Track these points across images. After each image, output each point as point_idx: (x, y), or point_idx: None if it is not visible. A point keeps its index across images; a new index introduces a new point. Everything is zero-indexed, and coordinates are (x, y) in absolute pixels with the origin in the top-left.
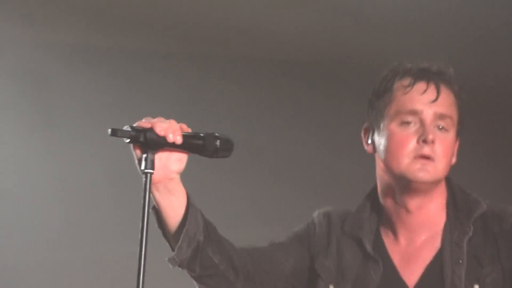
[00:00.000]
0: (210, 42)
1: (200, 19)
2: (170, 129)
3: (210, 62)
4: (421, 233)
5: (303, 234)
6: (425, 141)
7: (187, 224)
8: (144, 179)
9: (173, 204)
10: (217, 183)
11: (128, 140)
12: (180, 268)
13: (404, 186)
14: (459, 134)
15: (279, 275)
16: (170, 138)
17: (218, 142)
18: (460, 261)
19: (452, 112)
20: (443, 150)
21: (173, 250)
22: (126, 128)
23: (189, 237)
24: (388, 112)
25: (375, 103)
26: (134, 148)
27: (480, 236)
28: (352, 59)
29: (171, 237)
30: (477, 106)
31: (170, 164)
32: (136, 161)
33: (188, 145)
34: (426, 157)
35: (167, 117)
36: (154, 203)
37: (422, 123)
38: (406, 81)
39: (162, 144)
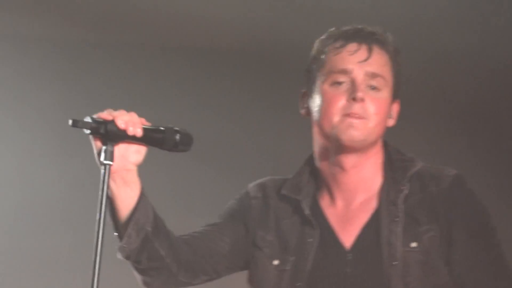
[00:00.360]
0: (150, 33)
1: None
2: (131, 122)
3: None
4: (357, 194)
5: (237, 208)
6: (354, 99)
7: (137, 213)
8: (102, 171)
9: (127, 195)
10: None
11: (89, 132)
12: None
13: (337, 145)
14: (396, 96)
15: (217, 258)
16: (131, 131)
17: (177, 136)
18: (397, 219)
19: (385, 72)
20: (375, 109)
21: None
22: (87, 119)
23: (138, 226)
24: (321, 74)
25: (311, 66)
26: (94, 139)
27: (417, 195)
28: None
29: (121, 228)
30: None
31: (129, 155)
32: (95, 152)
33: (148, 138)
34: (356, 115)
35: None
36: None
37: (352, 82)
38: (339, 42)
39: (122, 136)
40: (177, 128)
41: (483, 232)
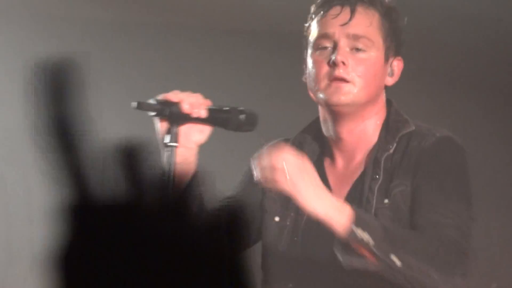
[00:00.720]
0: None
1: None
2: (196, 104)
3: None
4: (356, 154)
5: (248, 180)
6: (334, 63)
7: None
8: (167, 152)
9: (182, 172)
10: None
11: (154, 114)
12: None
13: (329, 111)
14: (395, 53)
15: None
16: (195, 113)
17: (242, 116)
18: (377, 176)
19: (370, 32)
20: (360, 70)
21: None
22: (152, 101)
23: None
24: (309, 40)
25: (303, 33)
26: (160, 121)
27: (400, 153)
28: None
29: None
30: None
31: (192, 134)
32: (159, 134)
33: (212, 119)
34: (339, 78)
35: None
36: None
37: (335, 46)
38: (324, 7)
39: (187, 118)
40: (241, 108)
41: (443, 191)
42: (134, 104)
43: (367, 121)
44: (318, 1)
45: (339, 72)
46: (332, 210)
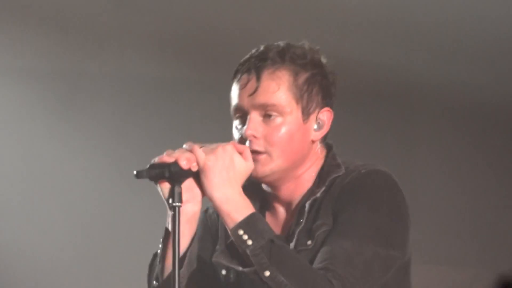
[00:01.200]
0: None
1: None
2: (193, 159)
3: None
4: (293, 203)
5: (201, 232)
6: (245, 137)
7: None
8: (172, 213)
9: (185, 233)
10: None
11: (154, 180)
12: None
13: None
14: (313, 109)
15: None
16: (194, 166)
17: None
18: (301, 220)
19: (278, 97)
20: (274, 139)
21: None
22: (150, 167)
23: (191, 267)
24: (231, 110)
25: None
26: (160, 183)
27: (327, 195)
28: None
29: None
30: None
31: (194, 187)
32: (162, 195)
33: None
34: (255, 152)
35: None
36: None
37: (245, 117)
38: (236, 75)
39: (187, 174)
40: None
41: (348, 223)
42: (134, 173)
43: (302, 175)
44: (235, 70)
45: (253, 145)
46: (229, 205)
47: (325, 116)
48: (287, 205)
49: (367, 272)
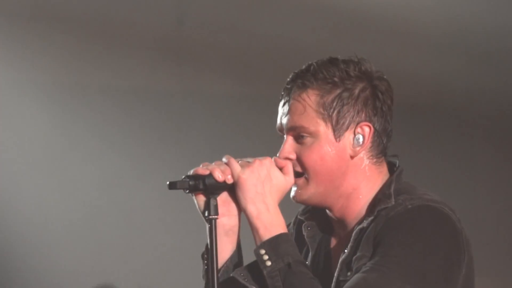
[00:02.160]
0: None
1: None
2: (228, 171)
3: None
4: (347, 226)
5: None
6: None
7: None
8: (208, 226)
9: (223, 246)
10: None
11: (188, 191)
12: None
13: None
14: (347, 125)
15: None
16: (229, 179)
17: None
18: (346, 250)
19: (304, 119)
20: (305, 160)
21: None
22: (184, 178)
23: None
24: None
25: None
26: (195, 196)
27: (373, 228)
28: None
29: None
30: None
31: (231, 201)
32: (198, 207)
33: None
34: (295, 174)
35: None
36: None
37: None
38: (280, 99)
39: (223, 187)
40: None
41: (383, 256)
42: (167, 184)
43: (351, 194)
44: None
45: (293, 166)
46: (259, 221)
47: (364, 131)
48: (342, 226)
49: None
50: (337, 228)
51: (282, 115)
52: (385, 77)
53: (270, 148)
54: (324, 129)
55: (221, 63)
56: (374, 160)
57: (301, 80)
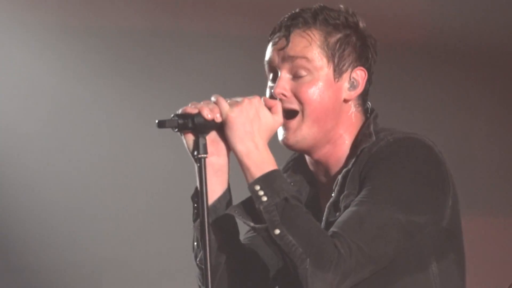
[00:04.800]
0: None
1: None
2: (217, 110)
3: None
4: (330, 173)
5: None
6: (275, 96)
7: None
8: (198, 165)
9: (212, 186)
10: None
11: (176, 129)
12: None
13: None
14: (347, 67)
15: None
16: (218, 118)
17: None
18: (332, 194)
19: (309, 51)
20: (304, 96)
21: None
22: (173, 117)
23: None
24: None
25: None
26: (184, 134)
27: (357, 166)
28: None
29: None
30: None
31: (220, 140)
32: (187, 147)
33: None
34: (287, 111)
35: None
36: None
37: (277, 75)
38: (270, 37)
39: (211, 126)
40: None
41: (371, 188)
42: (156, 122)
43: (336, 141)
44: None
45: (283, 104)
46: (250, 159)
47: (359, 75)
48: (326, 175)
49: (380, 237)
50: (321, 178)
51: (277, 49)
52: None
53: (262, 88)
54: (325, 67)
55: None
56: (359, 108)
57: (303, 18)
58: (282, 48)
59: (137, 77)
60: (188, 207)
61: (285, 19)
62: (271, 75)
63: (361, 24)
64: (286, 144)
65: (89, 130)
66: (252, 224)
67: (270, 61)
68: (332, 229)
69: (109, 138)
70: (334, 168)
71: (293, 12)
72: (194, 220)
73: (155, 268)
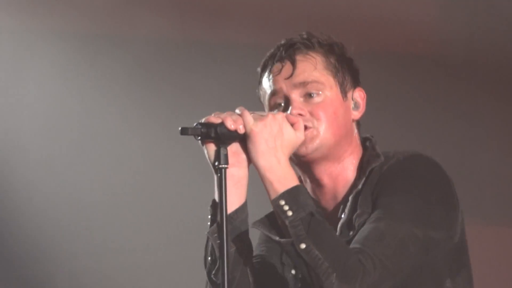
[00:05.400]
0: None
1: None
2: (240, 121)
3: None
4: (337, 197)
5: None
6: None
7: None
8: (218, 175)
9: (231, 198)
10: None
11: (199, 138)
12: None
13: (301, 163)
14: (349, 87)
15: None
16: (241, 129)
17: None
18: (343, 215)
19: (317, 75)
20: (320, 115)
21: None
22: (196, 125)
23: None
24: (265, 103)
25: (258, 94)
26: (206, 144)
27: (368, 185)
28: None
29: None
30: None
31: (242, 152)
32: (208, 157)
33: None
34: (306, 128)
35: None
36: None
37: (287, 100)
38: (266, 68)
39: (234, 137)
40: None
41: (386, 207)
42: (179, 129)
43: (344, 161)
44: (260, 65)
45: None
46: (273, 174)
47: (359, 96)
48: (334, 198)
49: (401, 251)
50: (326, 203)
51: (282, 78)
52: None
53: None
54: (334, 86)
55: (233, 13)
56: (358, 129)
57: (301, 44)
58: (289, 76)
59: (157, 86)
60: (196, 217)
61: (280, 48)
62: (276, 103)
63: (344, 46)
64: (305, 152)
65: (102, 137)
66: (277, 238)
67: (277, 91)
68: (353, 244)
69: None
70: (342, 190)
71: (284, 42)
72: (210, 231)
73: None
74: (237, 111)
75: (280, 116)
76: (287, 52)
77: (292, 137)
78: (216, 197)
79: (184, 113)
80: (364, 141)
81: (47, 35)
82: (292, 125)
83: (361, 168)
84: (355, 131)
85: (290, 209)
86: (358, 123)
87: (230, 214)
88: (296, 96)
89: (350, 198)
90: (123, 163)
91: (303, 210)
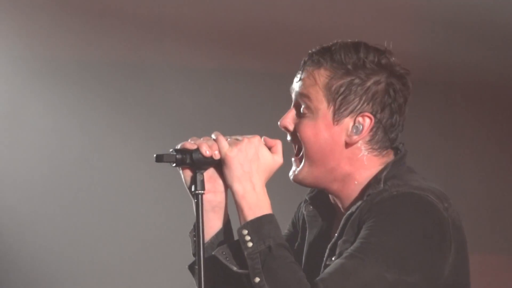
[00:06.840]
0: None
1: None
2: (215, 147)
3: None
4: (343, 208)
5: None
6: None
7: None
8: (195, 200)
9: (209, 222)
10: None
11: (174, 164)
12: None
13: None
14: (349, 112)
15: None
16: (216, 155)
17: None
18: (336, 235)
19: (310, 91)
20: (301, 135)
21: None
22: (171, 151)
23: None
24: None
25: None
26: (182, 170)
27: (360, 211)
28: None
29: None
30: None
31: (218, 177)
32: (184, 182)
33: None
34: (294, 150)
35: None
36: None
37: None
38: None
39: (209, 162)
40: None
41: (364, 242)
42: (154, 157)
43: (346, 178)
44: None
45: (288, 136)
46: (245, 201)
47: (365, 121)
48: (339, 210)
49: None
50: (337, 210)
51: (294, 82)
52: (405, 74)
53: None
54: (324, 109)
55: (206, 38)
56: (375, 152)
57: (318, 57)
58: (297, 81)
59: (135, 112)
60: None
61: (310, 51)
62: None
63: (388, 66)
64: (293, 180)
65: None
66: (235, 268)
67: (291, 92)
68: (317, 279)
69: (103, 170)
70: (346, 204)
71: (318, 48)
72: (194, 255)
73: None
74: (213, 136)
75: (256, 139)
76: (304, 61)
77: (268, 161)
78: None
79: (160, 137)
80: (384, 160)
81: (18, 57)
82: (269, 148)
83: (363, 190)
84: (362, 153)
85: (251, 240)
86: (381, 144)
87: (210, 239)
88: (293, 108)
89: (343, 219)
90: (98, 188)
91: (263, 243)
